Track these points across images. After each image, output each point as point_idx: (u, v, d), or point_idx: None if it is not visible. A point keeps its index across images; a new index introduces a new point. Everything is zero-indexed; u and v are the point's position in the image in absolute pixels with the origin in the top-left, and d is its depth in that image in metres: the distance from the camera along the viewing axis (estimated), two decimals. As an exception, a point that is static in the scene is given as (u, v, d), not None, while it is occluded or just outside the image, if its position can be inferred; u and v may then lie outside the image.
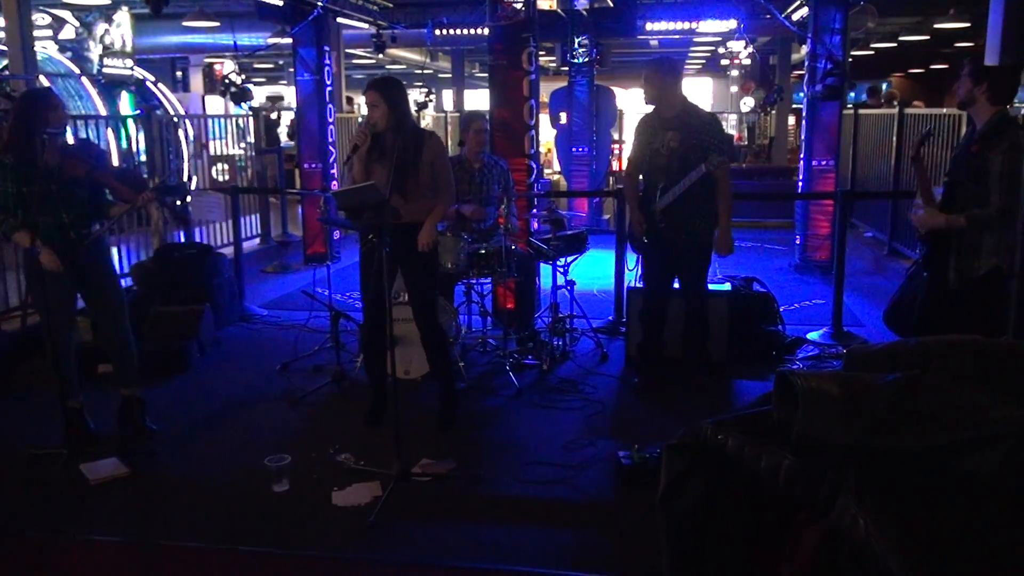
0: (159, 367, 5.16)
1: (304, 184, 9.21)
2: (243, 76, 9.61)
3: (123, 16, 12.40)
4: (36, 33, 9.45)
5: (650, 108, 4.63)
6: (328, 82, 8.84)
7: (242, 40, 12.58)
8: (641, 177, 4.68)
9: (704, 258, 4.65)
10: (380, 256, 3.59)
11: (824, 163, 8.04)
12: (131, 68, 12.80)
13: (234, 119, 10.37)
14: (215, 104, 16.62)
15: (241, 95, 8.99)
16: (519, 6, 5.68)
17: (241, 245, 7.06)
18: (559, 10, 9.61)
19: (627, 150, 12.90)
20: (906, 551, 1.50)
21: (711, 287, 5.34)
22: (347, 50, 14.19)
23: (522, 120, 5.84)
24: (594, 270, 7.24)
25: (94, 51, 11.98)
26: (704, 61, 22.61)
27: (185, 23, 12.32)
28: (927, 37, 15.50)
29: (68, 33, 12.02)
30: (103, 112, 11.05)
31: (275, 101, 15.57)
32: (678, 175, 4.43)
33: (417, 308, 4.31)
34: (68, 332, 4.09)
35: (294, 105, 9.42)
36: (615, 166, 12.78)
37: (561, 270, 5.47)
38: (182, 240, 7.33)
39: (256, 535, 3.27)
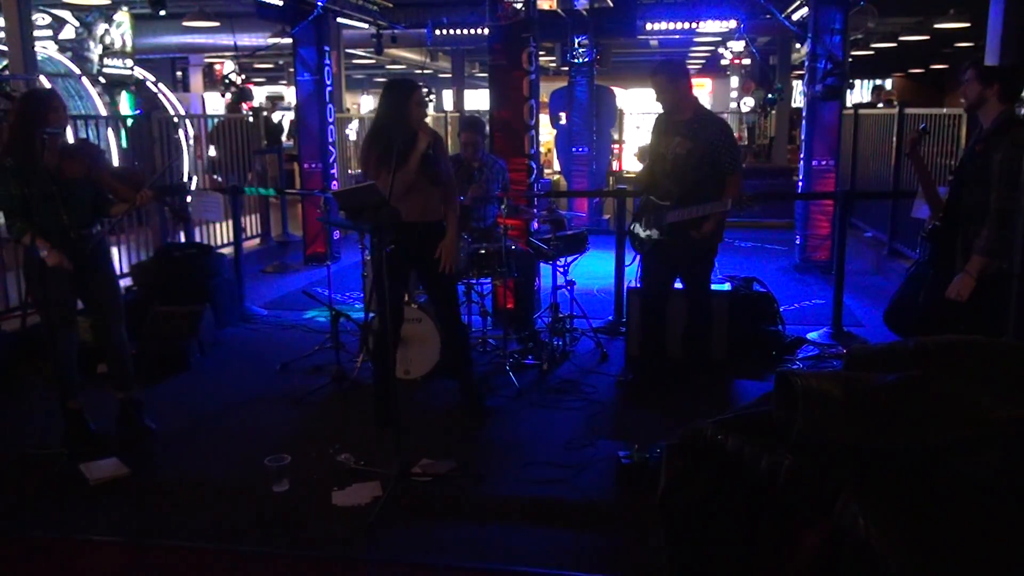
0: (159, 367, 5.16)
1: (304, 184, 9.21)
2: (243, 76, 9.61)
3: (123, 16, 12.39)
4: (36, 33, 9.44)
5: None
6: (328, 82, 8.84)
7: (242, 40, 12.59)
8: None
9: (707, 261, 4.63)
10: (380, 256, 3.60)
11: (824, 163, 8.04)
12: (131, 68, 12.79)
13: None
14: (215, 104, 16.64)
15: (241, 95, 8.99)
16: (519, 6, 5.68)
17: (241, 245, 7.06)
18: (559, 10, 9.60)
19: (627, 150, 12.97)
20: (906, 551, 1.50)
21: (711, 287, 5.35)
22: (347, 50, 14.20)
23: (522, 120, 5.84)
24: (594, 270, 7.23)
25: (94, 51, 11.97)
26: (704, 61, 22.60)
27: (185, 23, 12.33)
28: (927, 37, 15.51)
29: (68, 33, 12.01)
30: (103, 112, 11.05)
31: (275, 101, 15.56)
32: (690, 188, 4.35)
33: (441, 304, 4.40)
34: (68, 332, 4.09)
35: (294, 105, 9.44)
36: (615, 166, 12.78)
37: (561, 270, 5.47)
38: (182, 240, 7.33)
39: (256, 535, 3.27)
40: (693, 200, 4.37)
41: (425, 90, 4.32)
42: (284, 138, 13.15)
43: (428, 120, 4.17)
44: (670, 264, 4.64)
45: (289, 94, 16.28)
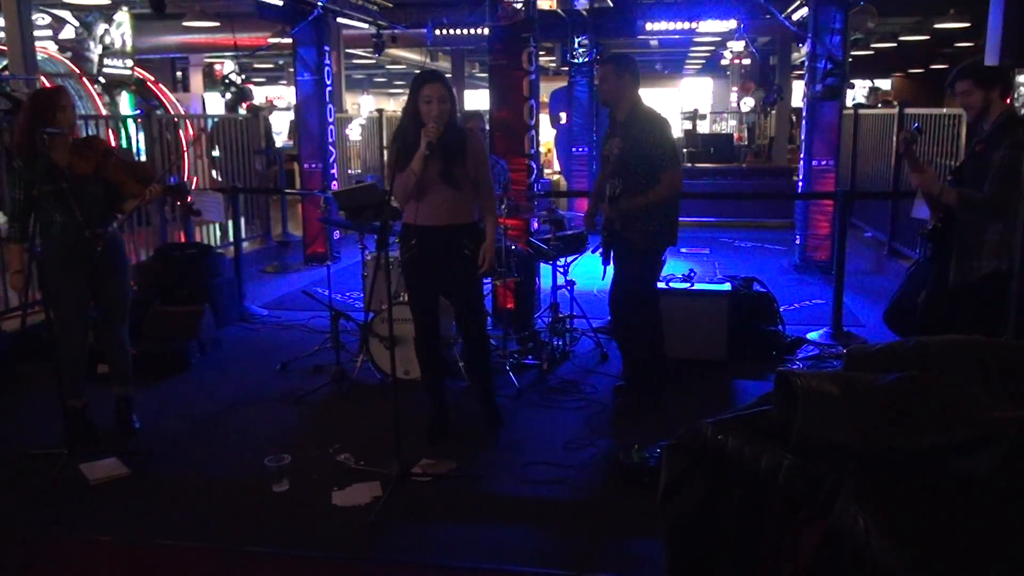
0: (159, 367, 5.17)
1: (304, 184, 9.22)
2: (243, 76, 9.60)
3: (123, 16, 12.39)
4: (36, 33, 9.44)
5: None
6: (328, 82, 8.85)
7: (242, 40, 12.60)
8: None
9: (631, 263, 4.40)
10: (384, 257, 3.59)
11: (824, 163, 8.04)
12: (131, 68, 12.79)
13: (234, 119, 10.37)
14: (215, 104, 16.62)
15: (241, 95, 8.99)
16: (519, 6, 5.67)
17: (241, 245, 7.06)
18: (559, 10, 9.61)
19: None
20: (906, 551, 1.50)
21: (711, 287, 5.36)
22: (347, 50, 14.19)
23: (522, 120, 5.84)
24: (594, 270, 7.21)
25: (94, 51, 11.97)
26: (704, 61, 22.61)
27: (185, 23, 12.33)
28: (927, 37, 15.52)
29: (68, 33, 12.01)
30: (103, 112, 11.05)
31: (271, 109, 15.56)
32: (627, 188, 4.27)
33: (462, 309, 4.20)
34: (79, 331, 4.06)
35: (294, 105, 9.45)
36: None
37: (561, 270, 5.47)
38: (182, 240, 7.34)
39: (256, 535, 3.27)
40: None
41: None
42: (284, 139, 13.14)
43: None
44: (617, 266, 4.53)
45: (289, 94, 16.29)
